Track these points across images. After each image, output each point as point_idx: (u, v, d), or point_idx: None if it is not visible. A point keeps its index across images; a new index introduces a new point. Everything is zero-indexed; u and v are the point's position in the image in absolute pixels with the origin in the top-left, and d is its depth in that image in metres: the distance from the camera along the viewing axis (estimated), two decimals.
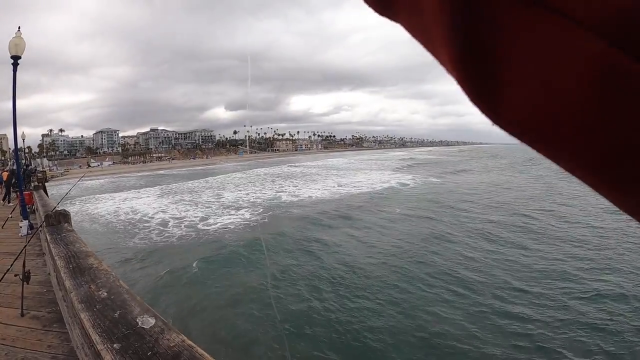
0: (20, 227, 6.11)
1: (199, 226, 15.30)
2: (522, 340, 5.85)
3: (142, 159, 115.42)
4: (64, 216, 3.61)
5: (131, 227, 15.64)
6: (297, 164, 63.25)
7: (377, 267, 9.19)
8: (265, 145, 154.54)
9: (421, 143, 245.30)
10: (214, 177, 41.98)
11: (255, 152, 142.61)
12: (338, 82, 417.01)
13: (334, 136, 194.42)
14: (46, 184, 13.16)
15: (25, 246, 3.26)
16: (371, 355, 5.60)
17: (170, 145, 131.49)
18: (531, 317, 6.53)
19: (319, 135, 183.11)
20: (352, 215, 16.22)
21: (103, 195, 28.88)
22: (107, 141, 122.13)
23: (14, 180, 11.73)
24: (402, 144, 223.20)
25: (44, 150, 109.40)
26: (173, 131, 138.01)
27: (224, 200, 22.68)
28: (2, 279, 2.77)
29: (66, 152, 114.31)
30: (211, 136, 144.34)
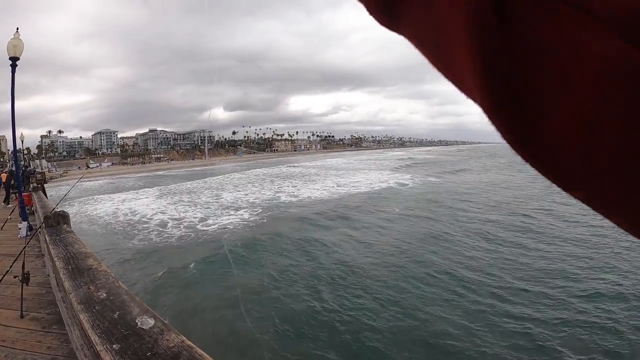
0: (20, 228, 6.11)
1: (198, 227, 15.30)
2: (521, 339, 5.86)
3: (141, 159, 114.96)
4: (63, 217, 3.62)
5: (130, 228, 15.62)
6: (296, 164, 63.21)
7: (376, 267, 9.20)
8: (264, 146, 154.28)
9: (420, 143, 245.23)
10: (212, 177, 41.92)
11: (254, 152, 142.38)
12: (337, 82, 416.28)
13: (332, 136, 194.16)
14: (45, 185, 13.15)
15: (25, 247, 3.25)
16: (371, 356, 5.61)
17: (169, 146, 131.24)
18: (530, 315, 6.55)
19: (317, 136, 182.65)
20: (350, 216, 16.22)
21: (102, 196, 28.85)
22: (106, 142, 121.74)
23: (13, 181, 11.70)
24: (401, 143, 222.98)
25: (43, 151, 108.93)
26: (172, 132, 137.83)
27: (223, 201, 22.67)
28: (1, 280, 2.77)
29: (65, 153, 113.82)
30: (210, 137, 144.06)
